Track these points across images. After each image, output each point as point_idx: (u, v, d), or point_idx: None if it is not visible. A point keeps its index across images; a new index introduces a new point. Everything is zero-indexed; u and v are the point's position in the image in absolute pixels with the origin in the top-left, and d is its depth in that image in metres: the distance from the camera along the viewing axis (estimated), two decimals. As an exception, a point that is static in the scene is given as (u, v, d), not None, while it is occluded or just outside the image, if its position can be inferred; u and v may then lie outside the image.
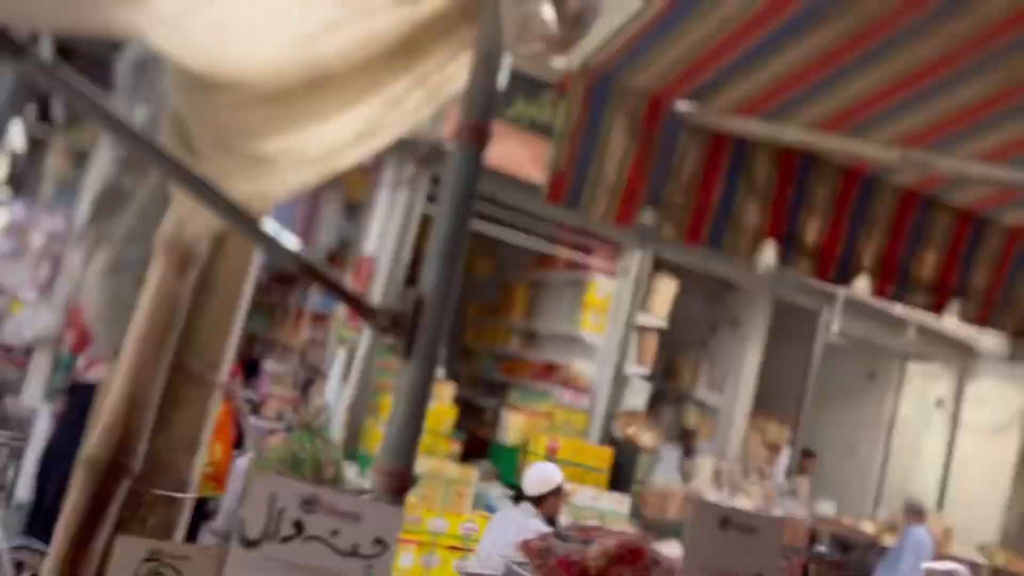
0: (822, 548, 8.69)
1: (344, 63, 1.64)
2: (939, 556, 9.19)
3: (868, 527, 9.46)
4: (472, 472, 6.86)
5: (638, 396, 8.69)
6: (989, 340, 10.39)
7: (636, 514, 7.64)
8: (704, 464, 8.62)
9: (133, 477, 2.01)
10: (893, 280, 2.54)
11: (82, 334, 6.08)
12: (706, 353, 10.42)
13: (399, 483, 1.58)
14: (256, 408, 7.29)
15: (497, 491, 7.06)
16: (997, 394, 10.83)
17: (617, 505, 7.39)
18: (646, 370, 8.72)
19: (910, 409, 11.30)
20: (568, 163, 2.25)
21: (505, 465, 7.64)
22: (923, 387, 11.36)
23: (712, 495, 8.24)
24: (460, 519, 6.47)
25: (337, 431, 6.47)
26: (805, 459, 10.17)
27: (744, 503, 8.27)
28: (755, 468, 9.55)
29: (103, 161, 8.05)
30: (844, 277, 2.58)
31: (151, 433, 2.04)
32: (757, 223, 2.44)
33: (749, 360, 10.05)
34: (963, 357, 11.04)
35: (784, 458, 9.90)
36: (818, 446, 11.15)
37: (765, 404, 10.38)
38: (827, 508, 9.29)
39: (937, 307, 2.61)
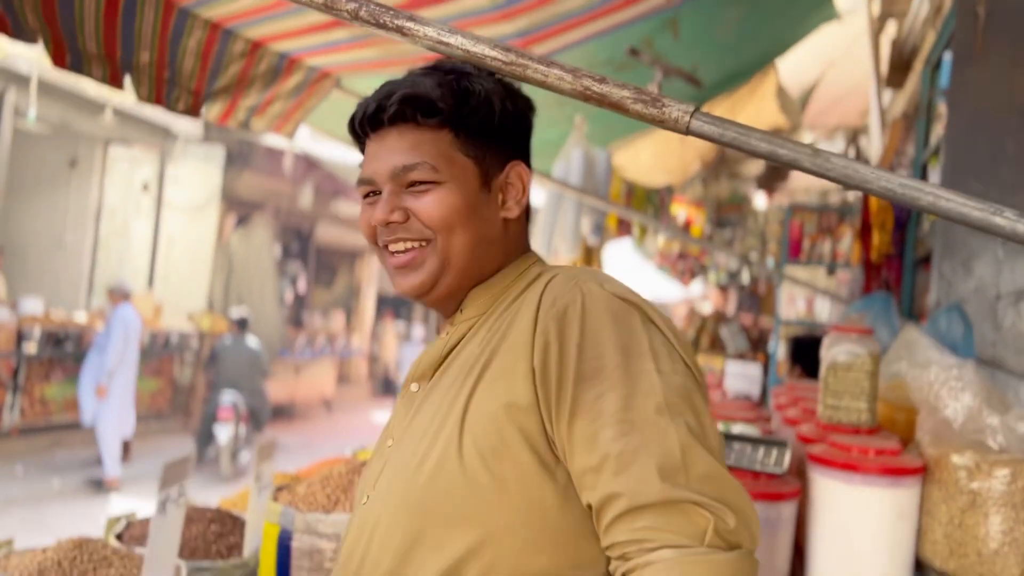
0: (32, 347, 8.31)
1: None
2: (152, 331, 9.75)
3: (81, 317, 9.38)
4: None
5: None
6: (185, 123, 10.85)
7: None
8: None
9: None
10: (68, 48, 2.28)
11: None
12: None
13: None
14: None
15: None
16: (195, 175, 11.54)
17: None
18: None
19: (116, 195, 11.27)
20: None
21: None
22: (128, 172, 11.38)
23: None
24: None
25: None
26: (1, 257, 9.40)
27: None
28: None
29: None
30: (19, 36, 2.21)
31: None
32: None
33: (-79, 152, 8.55)
34: (163, 140, 11.35)
35: (-20, 260, 8.95)
36: (21, 241, 10.41)
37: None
38: (35, 306, 8.83)
39: (113, 80, 2.45)
